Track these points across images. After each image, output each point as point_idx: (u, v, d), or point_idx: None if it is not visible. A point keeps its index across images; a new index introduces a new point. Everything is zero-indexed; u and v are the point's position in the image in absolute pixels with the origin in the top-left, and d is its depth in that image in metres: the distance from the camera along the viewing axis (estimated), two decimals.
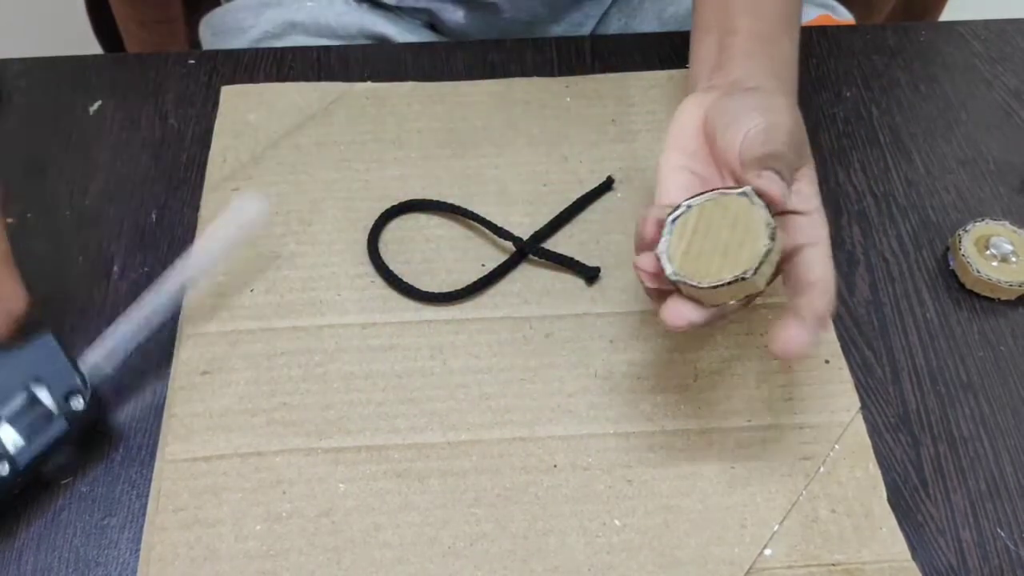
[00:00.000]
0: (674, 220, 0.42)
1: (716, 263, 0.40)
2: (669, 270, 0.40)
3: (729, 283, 0.39)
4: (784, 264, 0.43)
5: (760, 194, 0.41)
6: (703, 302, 0.41)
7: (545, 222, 0.57)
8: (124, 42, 0.86)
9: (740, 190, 0.41)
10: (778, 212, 0.42)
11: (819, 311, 0.41)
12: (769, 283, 0.41)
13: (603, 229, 0.57)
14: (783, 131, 0.44)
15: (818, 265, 0.42)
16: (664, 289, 0.43)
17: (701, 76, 0.51)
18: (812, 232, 0.44)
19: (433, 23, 0.76)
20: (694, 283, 0.40)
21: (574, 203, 0.58)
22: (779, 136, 0.44)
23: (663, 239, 0.41)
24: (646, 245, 0.43)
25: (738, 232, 0.40)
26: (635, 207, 0.58)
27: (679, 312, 0.41)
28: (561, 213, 0.57)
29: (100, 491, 0.47)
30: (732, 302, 0.41)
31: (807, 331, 0.40)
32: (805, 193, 0.45)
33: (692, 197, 0.42)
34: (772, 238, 0.40)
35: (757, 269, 0.39)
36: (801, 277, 0.42)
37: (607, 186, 0.59)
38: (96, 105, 0.63)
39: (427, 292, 0.53)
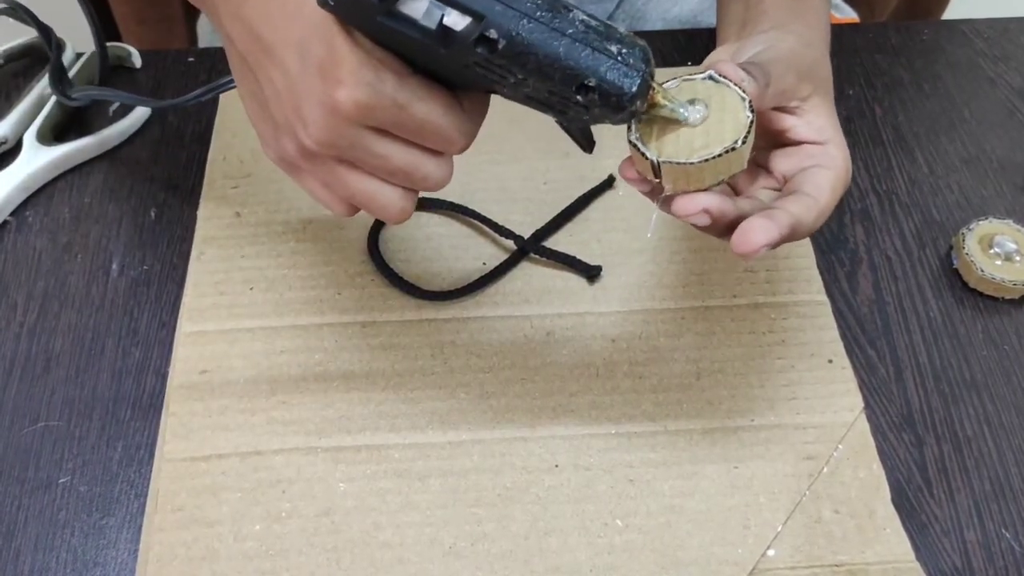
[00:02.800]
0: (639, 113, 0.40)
1: (699, 141, 0.38)
2: (651, 154, 0.38)
3: (719, 156, 0.37)
4: (787, 185, 0.42)
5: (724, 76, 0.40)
6: (688, 187, 0.39)
7: (546, 220, 0.56)
8: (123, 40, 0.85)
9: (704, 74, 0.40)
10: (790, 141, 0.42)
11: (794, 217, 0.39)
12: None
13: (604, 227, 0.57)
14: (775, 49, 0.44)
15: (817, 181, 0.41)
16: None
17: (730, 35, 0.50)
18: (823, 158, 0.42)
19: None
20: (682, 161, 0.38)
21: (575, 201, 0.57)
22: (768, 53, 0.43)
23: (632, 129, 0.39)
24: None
25: (713, 110, 0.39)
26: (637, 205, 0.58)
27: (690, 203, 0.39)
28: (562, 211, 0.57)
29: (98, 491, 0.47)
30: (716, 183, 0.39)
31: (771, 228, 0.38)
32: (817, 124, 0.43)
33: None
34: (751, 110, 0.38)
35: (745, 138, 0.38)
36: (794, 187, 0.41)
37: (608, 184, 0.58)
38: (115, 104, 0.63)
39: (427, 290, 0.53)
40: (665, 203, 0.40)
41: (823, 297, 0.54)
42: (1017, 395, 0.51)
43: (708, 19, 0.75)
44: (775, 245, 0.38)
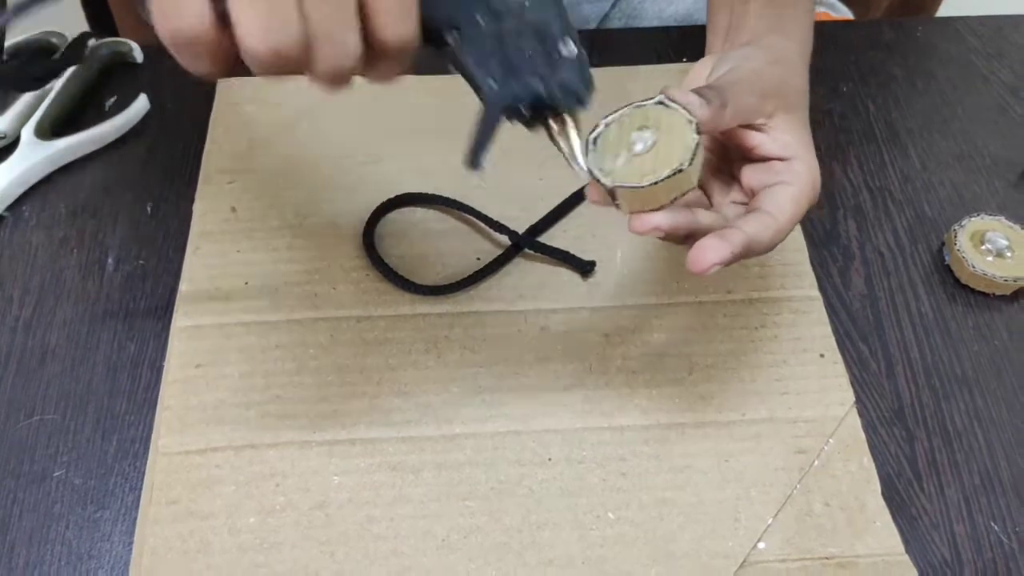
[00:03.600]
0: (596, 140, 0.42)
1: (648, 164, 0.40)
2: (605, 180, 0.40)
3: (667, 178, 0.39)
4: (752, 200, 0.44)
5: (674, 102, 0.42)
6: (644, 207, 0.41)
7: (540, 216, 0.57)
8: (119, 33, 0.85)
9: (655, 99, 0.42)
10: (757, 157, 0.44)
11: (748, 236, 0.41)
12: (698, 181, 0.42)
13: (598, 223, 0.57)
14: (738, 71, 0.45)
15: (777, 199, 0.43)
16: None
17: (715, 44, 0.52)
18: (787, 174, 0.44)
19: None
20: (632, 185, 0.40)
21: (570, 197, 0.58)
22: (730, 75, 0.44)
23: (589, 156, 0.41)
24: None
25: (663, 134, 0.41)
26: None
27: (643, 222, 0.40)
28: (556, 207, 0.57)
29: (93, 484, 0.47)
30: (670, 201, 0.41)
31: (723, 248, 0.40)
32: (783, 141, 0.44)
33: (608, 116, 0.42)
34: (698, 132, 0.40)
35: (691, 160, 0.39)
36: (757, 204, 0.43)
37: None
38: (111, 100, 0.64)
39: (422, 285, 0.53)
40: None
41: (815, 292, 0.54)
42: (1007, 390, 0.51)
43: (703, 17, 0.75)
44: (728, 263, 0.40)
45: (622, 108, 0.42)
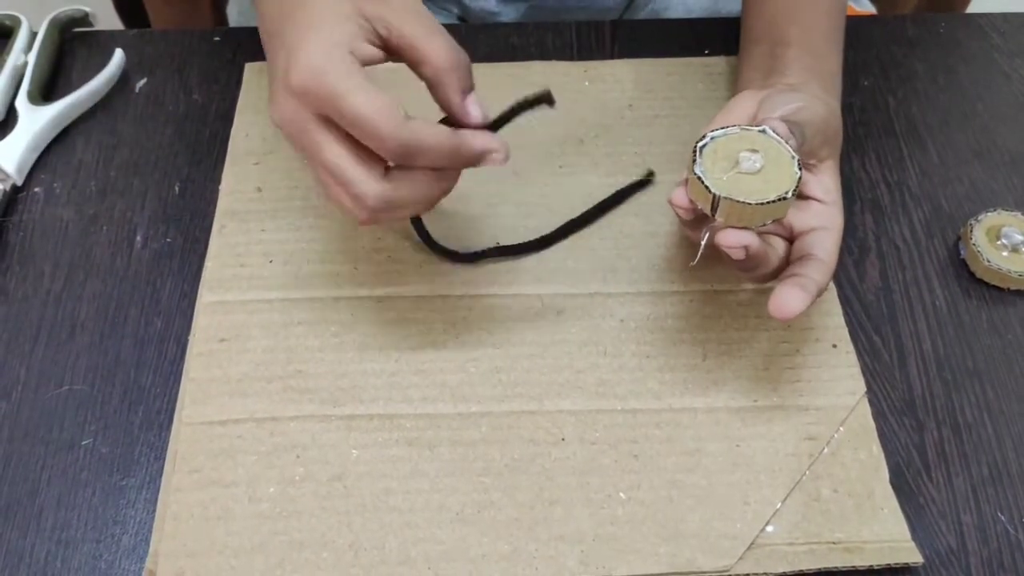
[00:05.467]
0: (701, 149, 0.45)
1: (755, 186, 0.43)
2: (715, 189, 0.43)
3: (772, 202, 0.43)
4: (796, 239, 0.47)
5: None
6: (738, 223, 0.44)
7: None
8: (150, 19, 0.87)
9: (759, 128, 0.46)
10: (800, 195, 0.46)
11: (818, 284, 0.44)
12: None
13: (618, 212, 0.57)
14: (810, 112, 0.48)
15: (826, 246, 0.46)
16: (694, 220, 0.46)
17: (754, 80, 0.54)
18: (827, 219, 0.47)
19: (464, 15, 0.76)
20: (740, 199, 0.43)
21: (608, 199, 0.56)
22: (804, 115, 0.47)
23: (697, 163, 0.44)
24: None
25: (768, 161, 0.44)
26: (649, 192, 0.58)
27: (737, 237, 0.43)
28: (591, 209, 0.56)
29: (119, 452, 0.49)
30: (762, 224, 0.44)
31: (805, 297, 0.44)
32: (826, 185, 0.48)
33: (713, 130, 0.46)
34: (800, 168, 0.44)
35: (794, 191, 0.43)
36: (808, 251, 0.46)
37: (648, 182, 0.56)
38: (142, 82, 0.65)
39: (444, 248, 0.54)
40: (712, 232, 0.45)
41: (830, 284, 0.55)
42: (1018, 383, 0.51)
43: (727, 7, 0.76)
44: (804, 310, 0.44)
45: (727, 128, 0.46)
